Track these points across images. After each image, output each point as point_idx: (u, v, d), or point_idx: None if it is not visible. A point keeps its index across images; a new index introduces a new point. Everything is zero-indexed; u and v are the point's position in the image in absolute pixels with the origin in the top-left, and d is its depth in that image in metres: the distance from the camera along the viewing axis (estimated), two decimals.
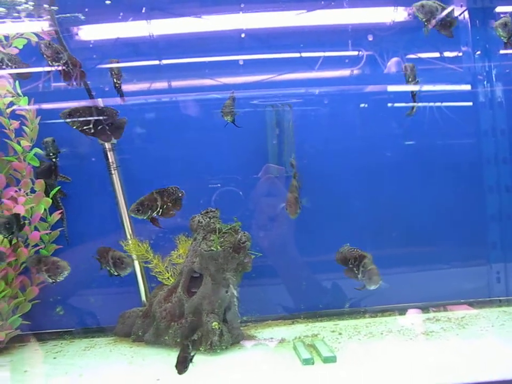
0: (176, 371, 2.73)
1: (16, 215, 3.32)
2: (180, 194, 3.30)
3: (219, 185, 4.03)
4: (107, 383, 3.07)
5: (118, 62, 3.59)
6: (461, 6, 4.36)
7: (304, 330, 3.72)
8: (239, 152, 4.02)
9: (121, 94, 3.65)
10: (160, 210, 3.22)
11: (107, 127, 3.12)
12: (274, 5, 4.16)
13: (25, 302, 3.82)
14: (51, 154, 3.49)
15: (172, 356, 3.36)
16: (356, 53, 4.35)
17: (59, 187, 3.91)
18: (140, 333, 3.73)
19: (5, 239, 3.33)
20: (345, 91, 4.28)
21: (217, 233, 3.50)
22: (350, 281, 3.83)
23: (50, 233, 3.88)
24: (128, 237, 3.89)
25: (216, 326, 3.42)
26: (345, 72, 4.36)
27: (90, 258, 3.67)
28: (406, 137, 4.19)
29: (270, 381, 2.90)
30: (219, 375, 3.01)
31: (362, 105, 4.22)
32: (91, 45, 4.00)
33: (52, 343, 3.85)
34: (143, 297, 3.95)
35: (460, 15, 4.37)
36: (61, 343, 3.85)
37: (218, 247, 3.46)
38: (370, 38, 4.24)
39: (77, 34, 4.03)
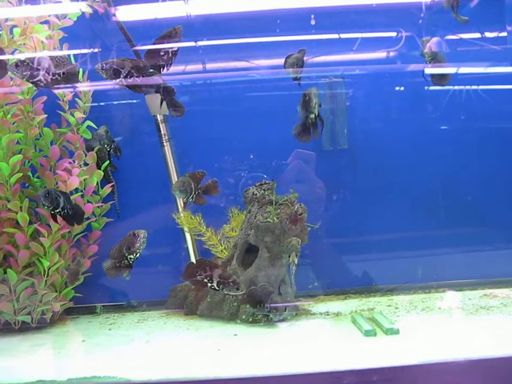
0: None
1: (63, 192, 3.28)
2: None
3: (244, 172, 3.99)
4: (170, 350, 3.03)
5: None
6: None
7: (359, 305, 3.67)
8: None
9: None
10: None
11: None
12: None
13: None
14: (106, 145, 3.41)
15: (228, 328, 3.37)
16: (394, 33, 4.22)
17: (110, 160, 3.85)
18: (193, 306, 3.66)
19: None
20: (397, 70, 4.15)
21: (273, 205, 3.43)
22: (404, 258, 3.80)
23: (101, 206, 3.83)
24: (180, 210, 3.82)
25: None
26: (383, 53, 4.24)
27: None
28: (459, 114, 4.06)
29: (333, 351, 2.86)
30: (281, 347, 2.98)
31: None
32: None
33: (104, 316, 3.86)
34: None
35: None
36: (113, 316, 3.84)
37: (275, 219, 3.39)
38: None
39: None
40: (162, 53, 3.02)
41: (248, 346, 2.95)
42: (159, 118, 3.86)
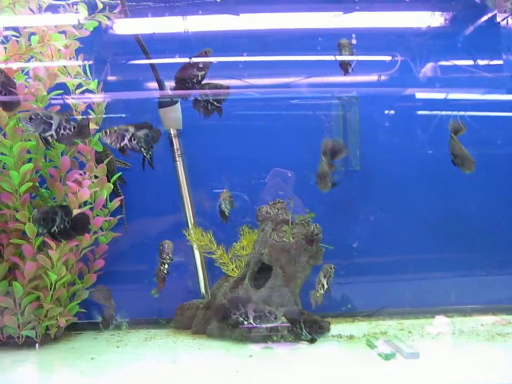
0: None
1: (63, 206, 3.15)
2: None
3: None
4: (187, 370, 2.96)
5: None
6: (504, 11, 4.29)
7: (370, 328, 3.62)
8: (303, 146, 3.92)
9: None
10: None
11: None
12: (310, 5, 4.04)
13: (82, 289, 3.67)
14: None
15: (241, 349, 3.29)
16: (389, 57, 4.25)
17: (120, 173, 3.78)
18: (201, 325, 3.59)
19: None
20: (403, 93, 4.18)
21: (290, 224, 3.39)
22: (410, 281, 3.77)
23: (109, 220, 3.74)
24: (190, 226, 3.76)
25: None
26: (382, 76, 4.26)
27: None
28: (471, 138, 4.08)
29: (356, 375, 2.82)
30: (303, 370, 2.91)
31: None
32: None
33: (108, 333, 3.72)
34: (203, 289, 3.83)
35: (503, 20, 4.29)
36: (118, 333, 3.72)
37: (291, 238, 3.34)
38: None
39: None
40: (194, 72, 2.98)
41: (267, 369, 2.89)
42: (173, 132, 3.76)
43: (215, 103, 3.06)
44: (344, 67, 3.31)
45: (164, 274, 3.28)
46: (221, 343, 3.41)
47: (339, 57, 3.43)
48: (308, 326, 2.98)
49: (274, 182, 3.86)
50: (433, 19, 4.28)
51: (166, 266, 3.29)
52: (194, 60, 3.07)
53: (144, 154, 3.13)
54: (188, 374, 2.90)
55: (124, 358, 3.19)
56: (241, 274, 3.58)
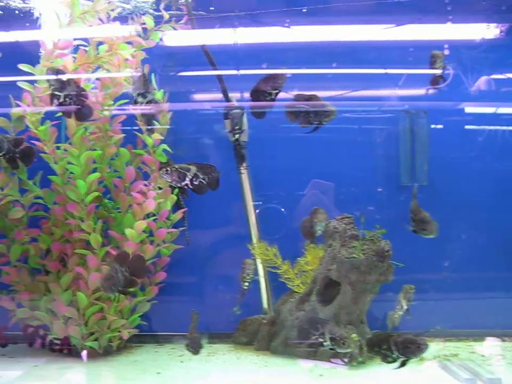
0: None
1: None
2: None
3: (260, 202, 3.87)
4: None
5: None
6: None
7: (438, 350, 3.45)
8: (370, 160, 3.82)
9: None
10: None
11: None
12: (361, 18, 3.93)
13: (144, 301, 3.61)
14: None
15: (309, 368, 3.19)
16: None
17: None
18: (264, 342, 3.49)
19: None
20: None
21: (359, 240, 3.28)
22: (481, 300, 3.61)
23: (172, 232, 3.68)
24: (254, 240, 3.68)
25: (356, 338, 3.18)
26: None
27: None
28: None
29: None
30: None
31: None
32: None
33: (168, 346, 3.68)
34: (265, 305, 3.74)
35: None
36: (178, 347, 3.62)
37: (361, 255, 3.23)
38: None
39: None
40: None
41: None
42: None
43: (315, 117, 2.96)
44: (436, 80, 3.18)
45: (243, 291, 3.28)
46: (287, 360, 3.32)
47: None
48: (402, 346, 2.83)
49: (312, 193, 3.75)
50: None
51: (247, 284, 3.20)
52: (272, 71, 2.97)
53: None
54: None
55: (189, 373, 3.10)
56: (307, 290, 3.49)
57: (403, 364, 2.77)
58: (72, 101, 3.07)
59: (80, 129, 3.32)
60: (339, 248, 3.37)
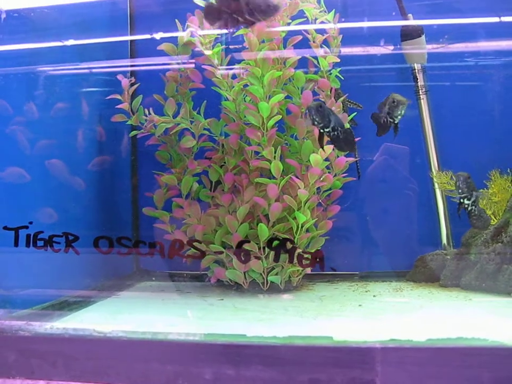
0: None
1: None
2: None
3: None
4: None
5: None
6: None
7: None
8: None
9: None
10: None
11: None
12: None
13: (317, 236, 3.36)
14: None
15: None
16: None
17: (355, 113, 3.44)
18: (453, 278, 3.23)
19: None
20: None
21: None
22: None
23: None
24: (434, 169, 3.41)
25: None
26: None
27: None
28: None
29: None
30: None
31: None
32: None
33: (345, 284, 3.39)
34: (444, 240, 3.47)
35: None
36: (356, 284, 3.46)
37: None
38: None
39: None
40: None
41: None
42: (416, 67, 3.40)
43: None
44: None
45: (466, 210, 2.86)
46: (485, 296, 3.02)
47: None
48: None
49: (382, 159, 3.45)
50: None
51: (466, 201, 2.86)
52: None
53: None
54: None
55: (392, 306, 2.83)
56: (502, 221, 3.19)
57: None
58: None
59: (264, 47, 3.05)
60: None
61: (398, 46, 3.53)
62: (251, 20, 2.65)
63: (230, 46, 3.47)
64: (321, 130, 2.77)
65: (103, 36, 3.50)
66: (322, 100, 3.30)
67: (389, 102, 2.83)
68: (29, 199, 2.98)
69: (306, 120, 3.02)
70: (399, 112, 2.80)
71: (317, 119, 2.72)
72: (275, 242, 2.98)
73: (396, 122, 2.84)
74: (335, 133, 2.77)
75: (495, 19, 3.44)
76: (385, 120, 2.82)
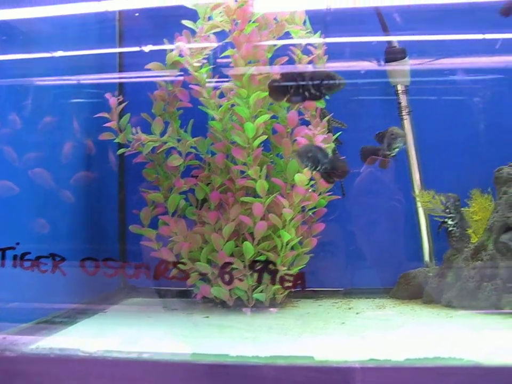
0: None
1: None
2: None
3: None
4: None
5: None
6: None
7: None
8: None
9: None
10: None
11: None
12: None
13: (302, 254, 3.42)
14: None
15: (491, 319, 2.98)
16: None
17: (339, 133, 3.51)
18: (434, 294, 3.31)
19: None
20: None
21: None
22: None
23: None
24: (416, 189, 3.49)
25: None
26: None
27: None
28: None
29: None
30: None
31: None
32: None
33: (329, 301, 3.47)
34: (426, 257, 3.54)
35: None
36: (340, 301, 3.49)
37: None
38: None
39: None
40: None
41: None
42: (400, 88, 3.49)
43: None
44: None
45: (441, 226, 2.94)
46: (466, 313, 3.09)
47: None
48: None
49: (368, 171, 3.54)
50: None
51: (450, 221, 2.94)
52: None
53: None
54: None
55: (374, 323, 2.91)
56: (482, 240, 3.27)
57: None
58: None
59: (250, 68, 3.12)
60: None
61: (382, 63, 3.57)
62: (317, 95, 2.69)
63: (217, 64, 3.49)
64: (313, 172, 2.85)
65: (92, 56, 3.53)
66: (308, 119, 3.33)
67: (388, 136, 2.90)
68: (15, 214, 3.00)
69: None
70: (398, 145, 2.87)
71: (308, 164, 2.84)
72: (258, 264, 3.00)
73: (393, 155, 2.91)
74: (327, 167, 2.83)
75: (477, 36, 3.50)
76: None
